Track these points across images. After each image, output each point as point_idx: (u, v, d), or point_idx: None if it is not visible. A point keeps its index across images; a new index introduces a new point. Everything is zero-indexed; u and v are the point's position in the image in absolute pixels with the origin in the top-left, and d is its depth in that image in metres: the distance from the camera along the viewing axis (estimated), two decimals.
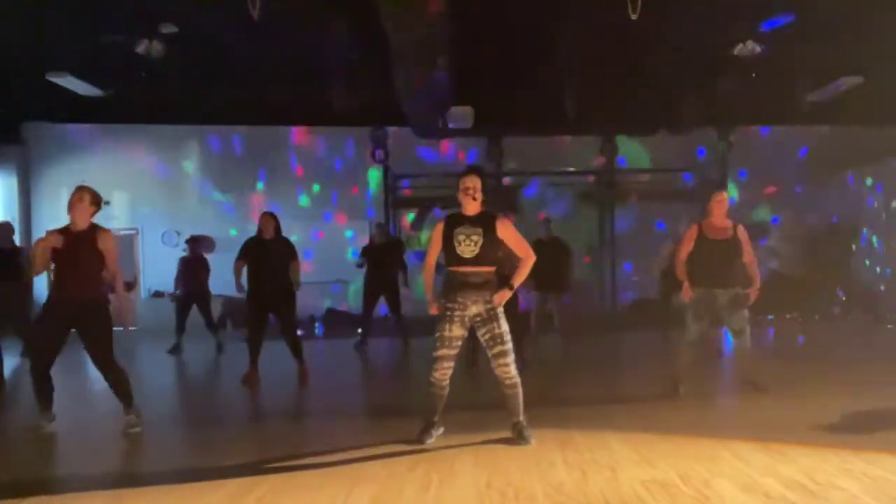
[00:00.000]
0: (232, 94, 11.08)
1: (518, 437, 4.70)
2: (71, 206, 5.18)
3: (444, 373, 4.71)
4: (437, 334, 4.69)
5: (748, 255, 6.04)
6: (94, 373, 5.52)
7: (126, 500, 3.82)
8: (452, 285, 4.69)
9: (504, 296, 4.68)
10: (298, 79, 10.30)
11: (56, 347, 5.18)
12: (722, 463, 4.10)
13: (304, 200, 13.84)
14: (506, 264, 5.07)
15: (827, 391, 6.15)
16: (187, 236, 10.79)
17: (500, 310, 4.70)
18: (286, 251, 7.40)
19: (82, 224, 5.21)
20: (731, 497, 3.53)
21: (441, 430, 4.87)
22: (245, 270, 7.41)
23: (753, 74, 9.64)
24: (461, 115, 11.43)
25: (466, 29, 8.38)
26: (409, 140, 13.04)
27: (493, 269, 4.74)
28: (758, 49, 8.54)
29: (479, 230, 4.65)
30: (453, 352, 4.71)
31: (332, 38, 8.71)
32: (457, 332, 4.68)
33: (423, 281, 5.05)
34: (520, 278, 4.77)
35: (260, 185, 13.78)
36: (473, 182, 4.70)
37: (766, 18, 8.31)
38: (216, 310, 12.77)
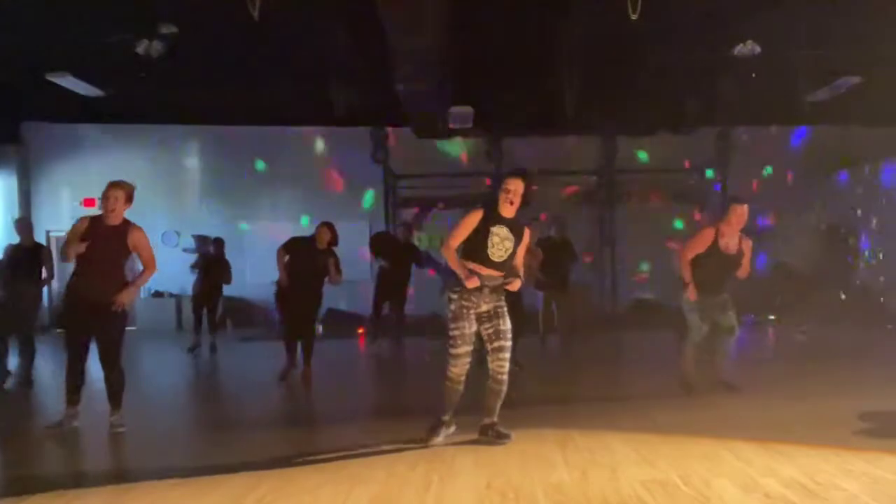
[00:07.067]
0: (232, 94, 11.06)
1: (497, 438, 4.68)
2: (105, 200, 5.16)
3: (463, 368, 4.73)
4: (457, 332, 4.67)
5: (746, 267, 6.06)
6: (93, 372, 5.52)
7: (126, 499, 3.82)
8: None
9: (517, 284, 4.78)
10: (298, 79, 10.29)
11: (88, 345, 5.27)
12: (722, 463, 4.10)
13: (304, 199, 13.78)
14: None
15: (826, 391, 6.14)
16: (196, 236, 10.76)
17: (505, 308, 4.75)
18: (330, 262, 7.46)
19: (116, 220, 5.21)
20: (731, 497, 3.53)
21: (453, 429, 4.83)
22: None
23: (753, 74, 9.64)
24: (461, 115, 11.42)
25: (467, 29, 8.37)
26: (409, 140, 13.02)
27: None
28: (758, 49, 8.54)
29: (514, 239, 4.69)
30: (471, 348, 4.75)
31: (332, 38, 8.70)
32: (472, 328, 4.71)
33: (448, 261, 4.68)
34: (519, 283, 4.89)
35: (260, 185, 13.74)
36: (516, 185, 4.65)
37: (765, 18, 8.30)
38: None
